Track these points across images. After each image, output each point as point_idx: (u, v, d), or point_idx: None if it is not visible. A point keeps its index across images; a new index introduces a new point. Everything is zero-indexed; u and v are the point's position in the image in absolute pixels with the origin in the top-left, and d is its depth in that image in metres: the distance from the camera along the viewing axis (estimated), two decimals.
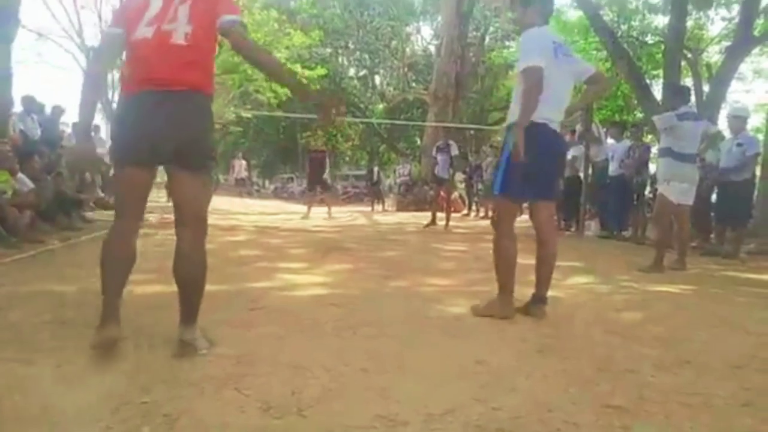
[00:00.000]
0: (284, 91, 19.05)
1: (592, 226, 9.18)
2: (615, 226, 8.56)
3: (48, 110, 9.70)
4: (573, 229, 9.26)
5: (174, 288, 2.38)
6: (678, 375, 2.36)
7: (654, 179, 7.19)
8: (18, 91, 8.40)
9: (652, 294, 4.18)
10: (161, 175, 2.57)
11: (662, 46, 13.32)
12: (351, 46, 27.96)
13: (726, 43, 14.23)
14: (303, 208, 12.26)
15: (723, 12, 16.22)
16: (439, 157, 9.67)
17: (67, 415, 1.78)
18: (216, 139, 2.47)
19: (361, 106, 28.04)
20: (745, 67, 16.98)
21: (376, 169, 18.90)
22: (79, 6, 26.68)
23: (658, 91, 12.28)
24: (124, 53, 2.33)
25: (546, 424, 1.85)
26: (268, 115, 19.04)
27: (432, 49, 26.10)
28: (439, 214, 9.64)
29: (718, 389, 2.19)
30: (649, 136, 11.05)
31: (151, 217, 8.00)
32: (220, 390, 2.01)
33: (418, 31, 29.86)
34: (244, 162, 21.78)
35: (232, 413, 1.84)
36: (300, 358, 2.37)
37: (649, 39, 17.45)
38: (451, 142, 9.88)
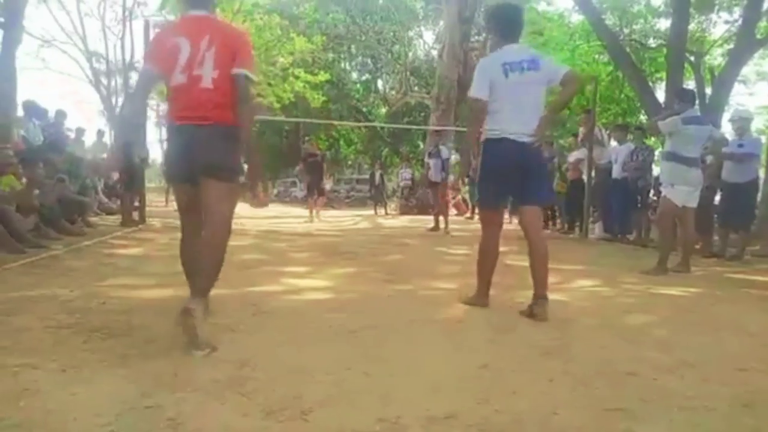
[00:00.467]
0: (287, 96, 19.13)
1: (596, 229, 9.17)
2: (618, 229, 8.55)
3: (49, 116, 9.72)
4: (577, 231, 9.26)
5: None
6: (681, 377, 2.35)
7: (657, 182, 7.17)
8: (22, 97, 8.47)
9: (655, 297, 4.18)
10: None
11: (665, 50, 13.31)
12: (353, 50, 28.02)
13: (728, 46, 14.23)
14: (306, 213, 12.36)
15: (725, 15, 16.24)
16: (431, 162, 9.93)
17: (71, 420, 1.79)
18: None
19: (364, 110, 28.10)
20: (748, 69, 16.96)
21: (378, 173, 18.90)
22: (83, 13, 26.87)
23: (661, 93, 12.28)
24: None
25: (549, 427, 1.85)
26: (270, 119, 19.08)
27: (434, 53, 26.09)
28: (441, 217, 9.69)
29: (721, 392, 2.19)
30: (652, 139, 11.03)
31: (155, 222, 8.03)
32: (223, 394, 2.02)
33: (421, 35, 29.89)
34: (246, 166, 21.77)
35: (235, 417, 1.84)
36: (303, 362, 2.38)
37: (652, 42, 17.45)
38: (441, 146, 10.10)
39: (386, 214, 16.24)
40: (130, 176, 7.82)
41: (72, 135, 11.01)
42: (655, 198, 8.24)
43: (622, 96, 18.42)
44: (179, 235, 2.95)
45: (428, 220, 10.36)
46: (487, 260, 3.52)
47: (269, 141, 27.67)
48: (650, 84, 13.36)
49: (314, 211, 11.87)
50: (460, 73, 17.44)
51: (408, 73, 26.32)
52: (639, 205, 8.26)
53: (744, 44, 10.70)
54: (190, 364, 2.31)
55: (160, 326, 2.86)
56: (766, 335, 3.12)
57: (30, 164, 6.48)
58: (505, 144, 3.29)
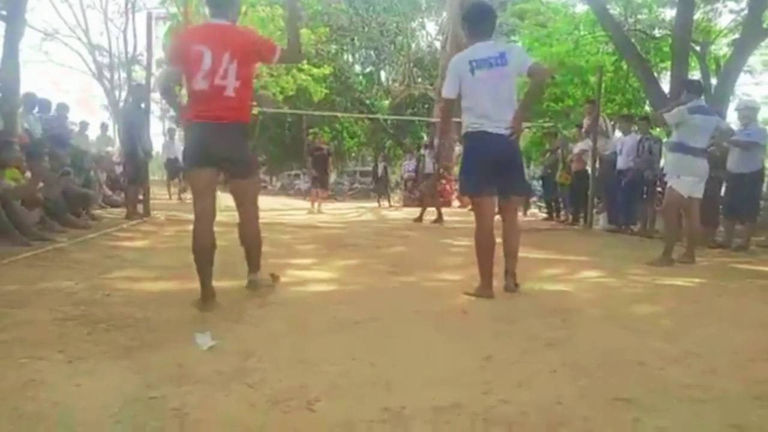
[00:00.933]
0: (290, 87, 19.08)
1: (601, 220, 9.14)
2: (623, 220, 8.52)
3: (52, 109, 9.71)
4: (581, 223, 9.23)
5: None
6: (688, 368, 2.34)
7: (662, 173, 7.12)
8: (24, 90, 8.45)
9: (661, 287, 4.16)
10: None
11: (670, 39, 13.20)
12: (356, 42, 27.91)
13: (734, 36, 14.10)
14: (309, 205, 12.44)
15: (731, 4, 16.04)
16: (427, 154, 9.96)
17: (76, 411, 1.79)
18: None
19: (367, 102, 28.00)
20: (754, 59, 16.80)
21: (382, 165, 18.87)
22: (86, 5, 26.82)
23: (666, 84, 12.19)
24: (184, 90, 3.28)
25: (555, 417, 1.84)
26: (273, 111, 19.04)
27: (437, 44, 26.00)
28: (446, 209, 9.75)
29: (728, 382, 2.17)
30: (657, 129, 10.96)
31: (160, 216, 8.04)
32: (229, 385, 2.02)
33: (423, 26, 29.75)
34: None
35: (240, 408, 1.85)
36: (308, 353, 2.38)
37: (657, 32, 17.30)
38: (435, 139, 10.29)
39: (389, 206, 16.22)
40: (134, 169, 7.82)
41: (76, 128, 11.01)
42: (660, 189, 8.19)
43: (627, 86, 18.28)
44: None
45: (431, 212, 10.37)
46: (484, 250, 3.57)
47: (272, 133, 27.63)
48: (655, 74, 13.24)
49: (316, 203, 11.94)
50: None
51: (411, 64, 26.25)
52: (645, 196, 8.21)
53: (750, 34, 10.58)
54: (194, 356, 2.31)
55: (165, 318, 2.87)
56: None
57: (35, 158, 6.48)
58: (483, 136, 3.48)
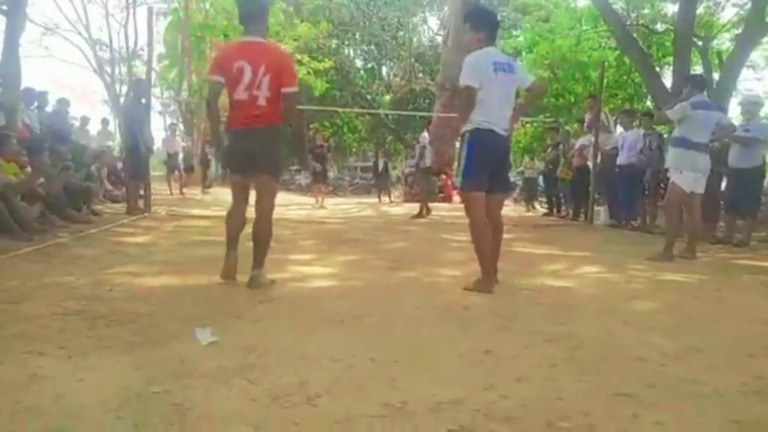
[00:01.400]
0: None
1: (602, 215, 9.13)
2: (624, 215, 8.51)
3: (50, 101, 9.70)
4: (582, 218, 9.22)
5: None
6: (688, 363, 2.35)
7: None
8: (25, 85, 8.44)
9: (662, 283, 4.16)
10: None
11: (672, 34, 13.15)
12: (358, 37, 27.81)
13: (737, 31, 14.04)
14: (311, 200, 12.52)
15: None
16: (424, 150, 10.26)
17: (78, 406, 1.79)
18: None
19: (368, 97, 27.92)
20: (757, 54, 16.77)
21: (383, 160, 18.85)
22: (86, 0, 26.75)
23: (668, 79, 12.15)
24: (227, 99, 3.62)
25: (555, 412, 1.84)
26: None
27: (439, 39, 25.92)
28: (445, 204, 9.82)
29: (729, 378, 2.17)
30: (661, 126, 10.95)
31: (161, 211, 8.05)
32: (230, 380, 2.02)
33: (425, 21, 29.65)
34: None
35: (241, 403, 1.85)
36: (309, 349, 2.38)
37: (659, 27, 17.25)
38: (425, 134, 10.57)
39: (390, 201, 16.22)
40: (135, 164, 7.82)
41: (76, 124, 11.01)
42: (662, 186, 8.17)
43: (630, 81, 18.25)
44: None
45: (432, 207, 10.41)
46: (482, 241, 3.63)
47: None
48: (658, 69, 13.21)
49: (319, 199, 12.09)
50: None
51: (412, 59, 26.16)
52: (646, 192, 8.19)
53: (753, 28, 10.52)
54: (196, 351, 2.32)
55: (166, 313, 2.87)
56: None
57: (35, 153, 6.48)
58: (492, 135, 3.62)
